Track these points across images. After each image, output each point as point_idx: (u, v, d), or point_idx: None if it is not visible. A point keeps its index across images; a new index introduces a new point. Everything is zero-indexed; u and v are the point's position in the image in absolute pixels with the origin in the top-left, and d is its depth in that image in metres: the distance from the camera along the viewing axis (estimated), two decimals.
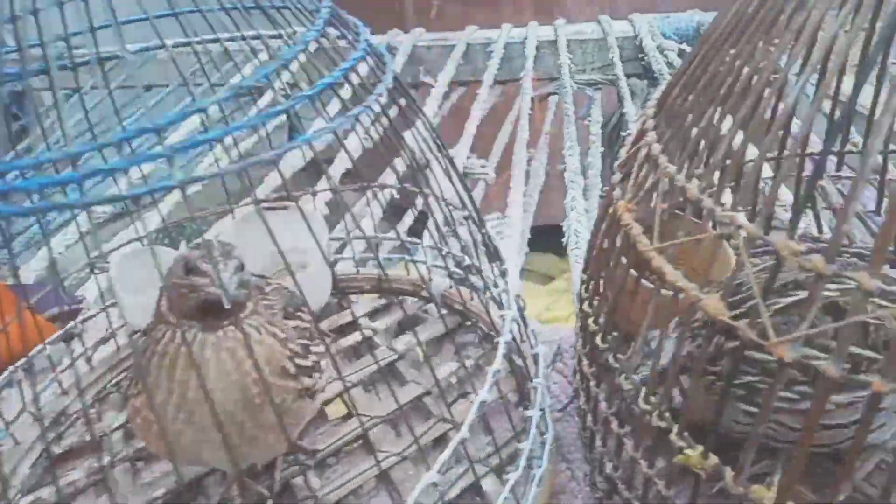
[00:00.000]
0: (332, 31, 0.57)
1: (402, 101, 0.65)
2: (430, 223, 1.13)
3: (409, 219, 1.39)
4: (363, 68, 0.59)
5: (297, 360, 0.67)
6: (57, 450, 0.85)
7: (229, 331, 0.61)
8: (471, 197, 0.76)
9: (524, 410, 0.67)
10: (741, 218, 0.42)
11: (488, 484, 0.74)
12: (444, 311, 1.00)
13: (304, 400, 0.68)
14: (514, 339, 0.65)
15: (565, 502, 0.76)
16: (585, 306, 0.68)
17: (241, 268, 0.62)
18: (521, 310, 0.78)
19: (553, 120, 1.90)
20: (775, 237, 0.40)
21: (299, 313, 0.71)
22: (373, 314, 1.05)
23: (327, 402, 0.88)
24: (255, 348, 0.62)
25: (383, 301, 1.05)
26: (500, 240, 1.26)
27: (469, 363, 0.91)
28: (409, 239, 0.93)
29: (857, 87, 0.55)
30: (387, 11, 3.51)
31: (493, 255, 0.76)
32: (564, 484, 0.78)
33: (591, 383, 0.67)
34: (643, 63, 2.01)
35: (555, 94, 2.07)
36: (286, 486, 0.77)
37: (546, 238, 1.44)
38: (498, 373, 0.59)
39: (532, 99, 1.95)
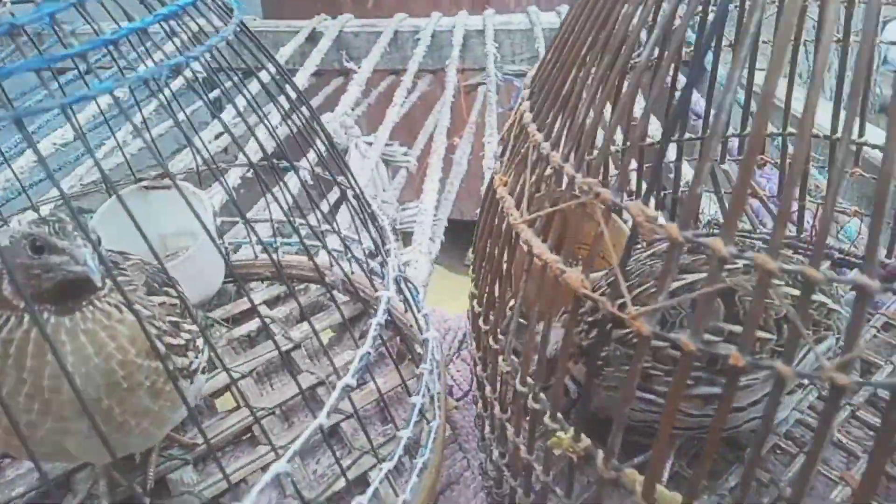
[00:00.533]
0: None
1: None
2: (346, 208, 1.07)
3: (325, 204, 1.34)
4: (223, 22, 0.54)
5: (167, 339, 0.62)
6: None
7: (87, 311, 0.56)
8: (353, 175, 0.72)
9: (410, 398, 0.63)
10: (598, 185, 0.40)
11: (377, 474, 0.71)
12: (346, 299, 0.97)
13: (178, 381, 0.63)
14: (396, 323, 0.61)
15: (458, 492, 0.73)
16: (472, 287, 0.65)
17: (99, 242, 0.57)
18: (412, 294, 0.75)
19: (481, 110, 1.88)
20: (630, 203, 0.38)
21: (167, 289, 0.66)
22: (273, 302, 1.00)
23: (216, 394, 0.84)
24: (118, 328, 0.57)
25: (285, 288, 1.01)
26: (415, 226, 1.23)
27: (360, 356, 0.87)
28: (301, 222, 0.88)
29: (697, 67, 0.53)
30: (324, 2, 3.44)
31: (379, 236, 0.72)
32: (459, 473, 0.75)
33: (478, 367, 0.64)
34: None
35: (484, 83, 2.05)
36: (162, 482, 0.72)
37: None
38: (368, 356, 0.55)
39: (459, 88, 1.92)
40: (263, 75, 0.65)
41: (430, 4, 3.14)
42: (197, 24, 0.56)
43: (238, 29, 0.54)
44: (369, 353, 0.54)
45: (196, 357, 0.66)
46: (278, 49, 2.13)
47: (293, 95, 0.65)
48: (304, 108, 0.68)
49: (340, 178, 0.71)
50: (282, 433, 0.77)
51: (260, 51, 0.60)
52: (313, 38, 2.22)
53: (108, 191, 0.88)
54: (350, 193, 0.70)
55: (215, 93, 1.34)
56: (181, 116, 0.81)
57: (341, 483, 0.69)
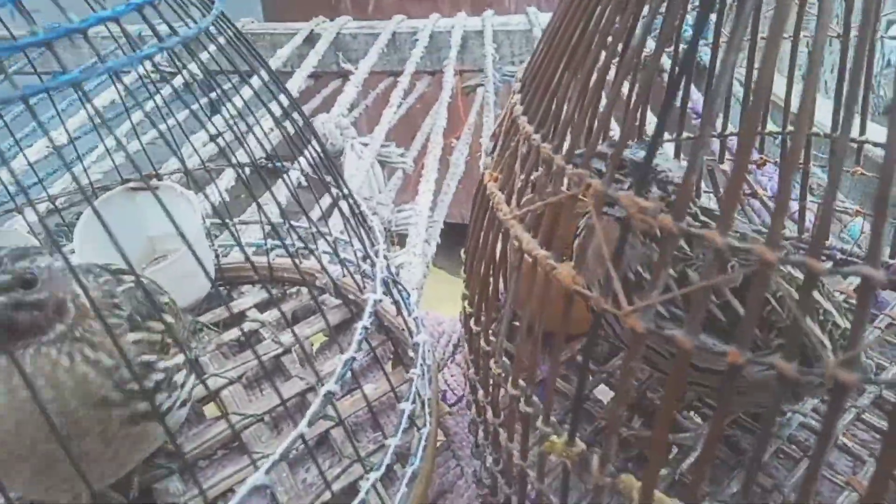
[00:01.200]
0: None
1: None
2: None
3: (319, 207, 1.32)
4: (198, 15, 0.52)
5: (130, 385, 0.57)
6: None
7: (27, 355, 0.52)
8: (342, 176, 0.70)
9: (398, 404, 0.61)
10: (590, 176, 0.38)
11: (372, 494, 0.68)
12: (339, 302, 0.95)
13: (139, 424, 0.59)
14: (386, 326, 0.59)
15: (451, 501, 0.70)
16: (464, 288, 0.63)
17: (19, 283, 0.51)
18: (403, 296, 0.73)
19: (479, 111, 1.86)
20: (622, 194, 0.36)
21: (150, 322, 0.62)
22: (265, 305, 0.98)
23: (204, 400, 0.81)
24: (62, 378, 0.53)
25: (276, 291, 0.99)
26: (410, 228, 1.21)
27: (360, 355, 0.85)
28: (295, 224, 0.86)
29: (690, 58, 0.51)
30: (324, 5, 3.44)
31: (368, 236, 0.70)
32: (453, 482, 0.73)
33: (471, 371, 0.62)
34: None
35: (482, 84, 2.03)
36: (147, 492, 0.70)
37: None
38: (352, 361, 0.53)
39: (457, 89, 1.90)
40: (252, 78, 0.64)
41: (429, 7, 3.13)
42: (179, 15, 0.54)
43: (217, 20, 0.52)
44: (353, 358, 0.52)
45: (170, 395, 0.63)
46: (276, 51, 2.11)
47: (279, 92, 0.63)
48: (286, 106, 0.66)
49: (329, 179, 0.69)
50: (270, 440, 0.75)
51: (244, 46, 0.58)
52: (311, 40, 2.21)
53: (95, 193, 0.87)
54: (336, 194, 0.68)
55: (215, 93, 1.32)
56: (181, 117, 0.80)
57: (337, 486, 0.67)
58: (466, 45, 2.14)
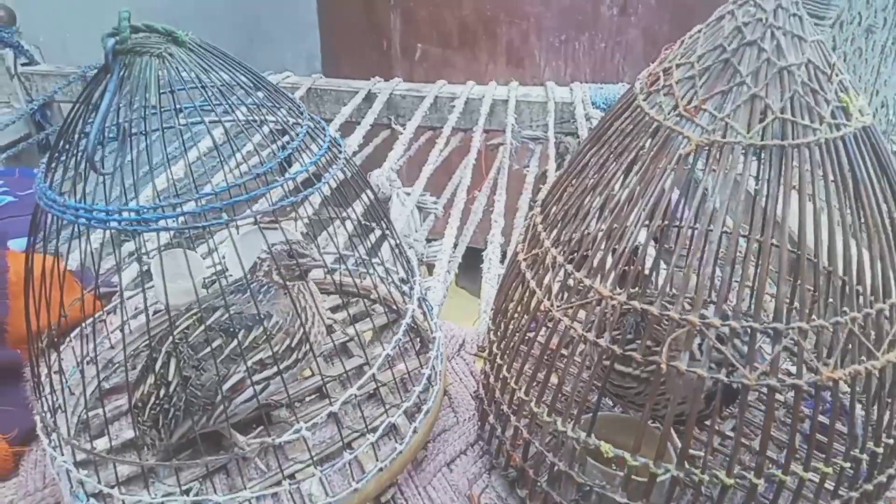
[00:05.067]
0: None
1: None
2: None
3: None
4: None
5: None
6: (106, 385, 1.23)
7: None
8: (390, 221, 1.17)
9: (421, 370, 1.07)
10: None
11: (400, 421, 1.14)
12: (384, 310, 1.41)
13: None
14: (416, 325, 1.04)
15: (446, 437, 1.15)
16: (490, 323, 1.06)
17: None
18: (428, 309, 1.19)
19: (499, 168, 2.32)
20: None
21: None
22: (335, 309, 1.45)
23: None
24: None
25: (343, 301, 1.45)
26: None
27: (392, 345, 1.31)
28: (344, 253, 1.33)
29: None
30: (377, 52, 3.96)
31: (407, 266, 1.16)
32: (450, 426, 1.18)
33: (490, 379, 1.04)
34: (574, 125, 2.45)
35: (504, 144, 2.49)
36: (269, 417, 1.17)
37: None
38: (399, 341, 0.99)
39: (482, 148, 2.37)
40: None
41: (469, 57, 3.62)
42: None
43: (344, 160, 0.99)
44: (400, 339, 0.97)
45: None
46: (339, 106, 2.62)
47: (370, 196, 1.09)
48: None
49: (387, 231, 1.15)
50: (342, 392, 1.21)
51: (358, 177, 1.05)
52: (369, 98, 2.71)
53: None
54: (393, 242, 1.14)
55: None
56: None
57: (378, 423, 1.13)
58: (494, 111, 2.61)
